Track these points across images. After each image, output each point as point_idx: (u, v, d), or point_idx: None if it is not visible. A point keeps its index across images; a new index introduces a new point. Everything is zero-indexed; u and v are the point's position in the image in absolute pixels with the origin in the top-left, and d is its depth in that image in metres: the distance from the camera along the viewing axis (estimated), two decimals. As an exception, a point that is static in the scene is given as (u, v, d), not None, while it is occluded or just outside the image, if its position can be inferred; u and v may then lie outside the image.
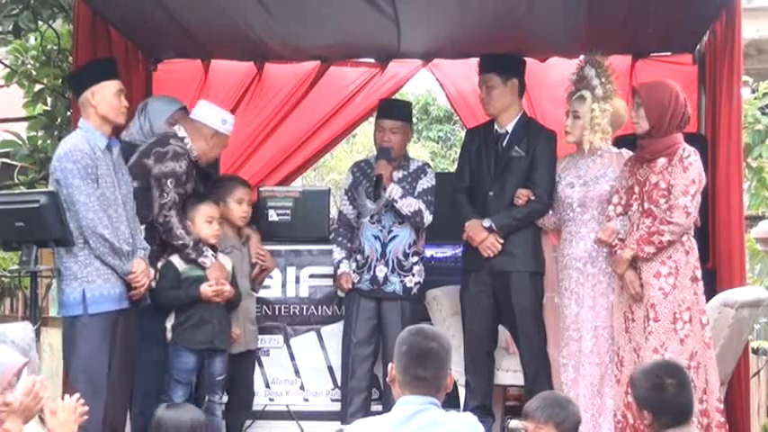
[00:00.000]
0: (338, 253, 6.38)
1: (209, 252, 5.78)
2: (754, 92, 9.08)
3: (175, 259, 5.76)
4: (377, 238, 6.24)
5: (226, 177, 6.43)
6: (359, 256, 6.29)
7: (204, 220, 5.82)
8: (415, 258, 6.26)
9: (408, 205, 6.16)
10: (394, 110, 6.47)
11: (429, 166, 6.46)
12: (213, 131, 5.86)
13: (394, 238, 6.22)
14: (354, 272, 6.29)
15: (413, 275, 6.24)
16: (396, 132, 6.27)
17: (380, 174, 6.16)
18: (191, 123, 5.88)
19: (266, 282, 6.68)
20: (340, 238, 6.41)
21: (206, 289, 5.71)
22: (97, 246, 5.27)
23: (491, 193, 6.06)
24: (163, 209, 5.67)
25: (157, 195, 5.70)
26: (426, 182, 6.28)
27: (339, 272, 6.35)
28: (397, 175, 6.26)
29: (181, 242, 5.70)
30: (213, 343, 5.76)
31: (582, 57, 6.04)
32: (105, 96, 5.40)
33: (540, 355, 5.99)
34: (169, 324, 5.76)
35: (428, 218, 6.20)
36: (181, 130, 5.87)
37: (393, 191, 6.15)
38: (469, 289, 6.12)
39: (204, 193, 5.98)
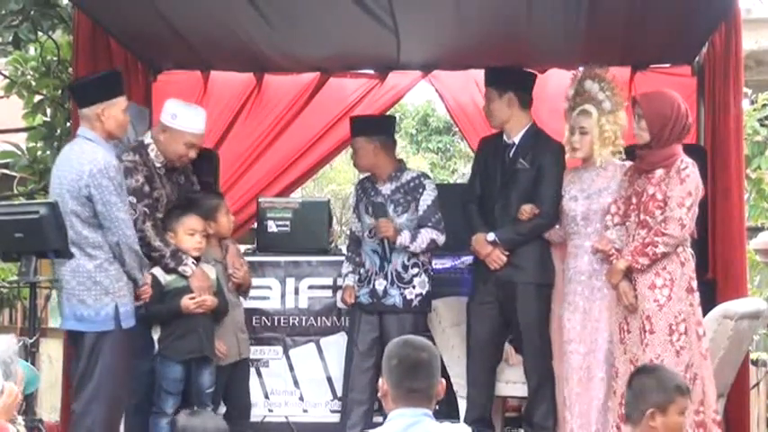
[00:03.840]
0: (346, 267, 6.40)
1: (190, 260, 5.75)
2: (752, 103, 9.09)
3: (158, 271, 5.72)
4: (375, 252, 6.22)
5: (205, 194, 6.28)
6: (362, 270, 6.29)
7: (186, 233, 5.80)
8: (416, 270, 6.21)
9: (421, 243, 6.15)
10: (353, 126, 6.49)
11: (426, 177, 6.42)
12: (191, 135, 5.83)
13: (393, 251, 6.19)
14: (356, 285, 6.28)
15: (413, 287, 6.19)
16: (356, 149, 6.32)
17: (386, 236, 6.13)
18: (165, 131, 5.83)
19: (265, 293, 6.72)
20: (350, 253, 6.42)
21: (187, 302, 5.69)
22: (131, 261, 5.32)
23: (497, 205, 6.06)
24: (136, 224, 5.59)
25: None
26: (428, 197, 6.24)
27: (343, 284, 6.36)
28: (390, 187, 6.26)
29: (158, 253, 5.68)
30: (202, 351, 5.73)
31: (575, 71, 6.02)
32: (114, 113, 5.42)
33: (544, 366, 5.97)
34: (155, 336, 5.74)
35: (441, 239, 6.20)
36: (147, 137, 5.85)
37: (403, 239, 6.13)
38: (476, 299, 6.11)
39: (187, 207, 5.92)
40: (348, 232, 6.56)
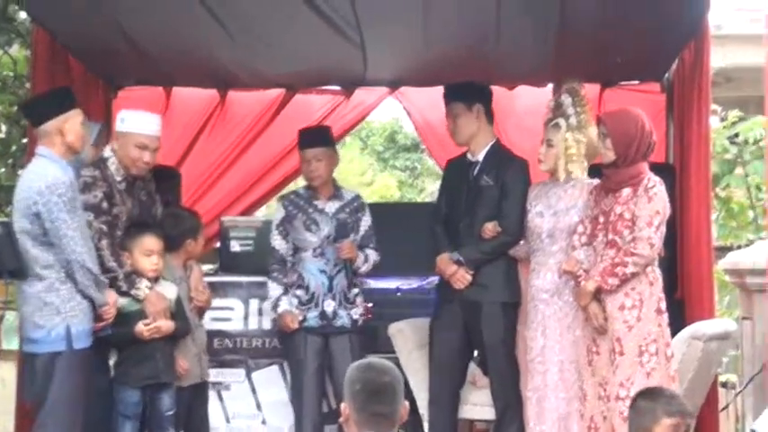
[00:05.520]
0: (275, 289, 6.26)
1: (143, 283, 5.60)
2: (722, 120, 9.11)
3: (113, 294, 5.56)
4: (323, 272, 6.18)
5: (187, 212, 6.25)
6: (299, 292, 6.20)
7: (142, 254, 5.64)
8: (356, 289, 6.25)
9: (369, 265, 6.25)
10: (313, 137, 6.39)
11: (362, 198, 6.47)
12: (142, 136, 5.70)
13: (340, 271, 6.19)
14: (297, 308, 6.19)
15: (357, 307, 6.23)
16: (320, 160, 6.22)
17: (349, 258, 6.14)
18: (117, 138, 5.74)
19: (227, 314, 6.62)
20: (275, 274, 6.28)
21: (141, 328, 5.55)
22: (83, 279, 5.20)
23: (462, 223, 6.00)
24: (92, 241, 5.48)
25: None
26: (368, 217, 6.31)
27: (280, 310, 6.22)
28: (334, 205, 6.25)
29: (112, 275, 5.53)
30: (160, 378, 5.61)
31: (563, 84, 5.93)
32: (75, 126, 5.33)
33: (511, 388, 5.90)
34: (111, 361, 5.62)
35: (378, 260, 6.28)
36: (107, 151, 5.76)
37: (359, 261, 6.19)
38: (440, 320, 6.05)
39: (154, 226, 5.81)
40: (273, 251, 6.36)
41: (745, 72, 11.53)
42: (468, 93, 6.05)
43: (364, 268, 6.22)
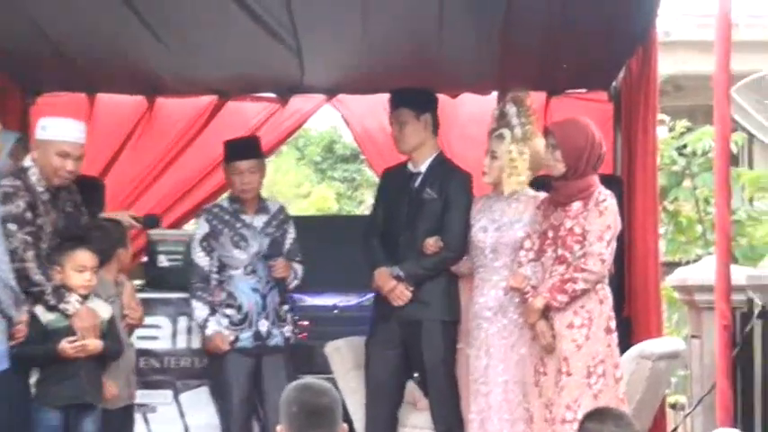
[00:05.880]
0: (201, 309, 6.03)
1: (73, 297, 5.35)
2: (671, 130, 9.04)
3: (39, 310, 5.31)
4: (256, 290, 5.99)
5: (109, 222, 6.04)
6: (230, 312, 5.99)
7: (74, 269, 5.39)
8: (286, 306, 6.12)
9: (297, 281, 6.12)
10: (246, 148, 6.22)
11: (285, 209, 6.34)
12: (64, 144, 5.44)
13: (272, 288, 6.03)
14: (228, 329, 5.99)
15: (288, 324, 6.09)
16: (254, 172, 6.06)
17: (283, 277, 6.02)
18: (38, 147, 5.48)
19: (154, 332, 6.47)
20: (199, 293, 6.07)
21: (65, 346, 5.26)
22: (6, 298, 4.93)
23: (402, 238, 5.82)
24: (15, 255, 5.21)
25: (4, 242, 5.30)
26: (293, 230, 6.15)
27: (209, 332, 5.99)
28: (261, 220, 6.07)
29: (38, 289, 5.27)
30: (83, 398, 5.34)
31: (508, 92, 5.81)
32: None
33: (452, 410, 5.72)
34: (32, 380, 5.33)
35: (302, 273, 6.20)
36: (27, 160, 5.51)
37: (290, 278, 6.06)
38: (376, 338, 5.86)
39: (82, 238, 5.55)
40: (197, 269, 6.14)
41: (693, 80, 11.55)
42: (417, 100, 5.89)
43: (294, 284, 6.08)
